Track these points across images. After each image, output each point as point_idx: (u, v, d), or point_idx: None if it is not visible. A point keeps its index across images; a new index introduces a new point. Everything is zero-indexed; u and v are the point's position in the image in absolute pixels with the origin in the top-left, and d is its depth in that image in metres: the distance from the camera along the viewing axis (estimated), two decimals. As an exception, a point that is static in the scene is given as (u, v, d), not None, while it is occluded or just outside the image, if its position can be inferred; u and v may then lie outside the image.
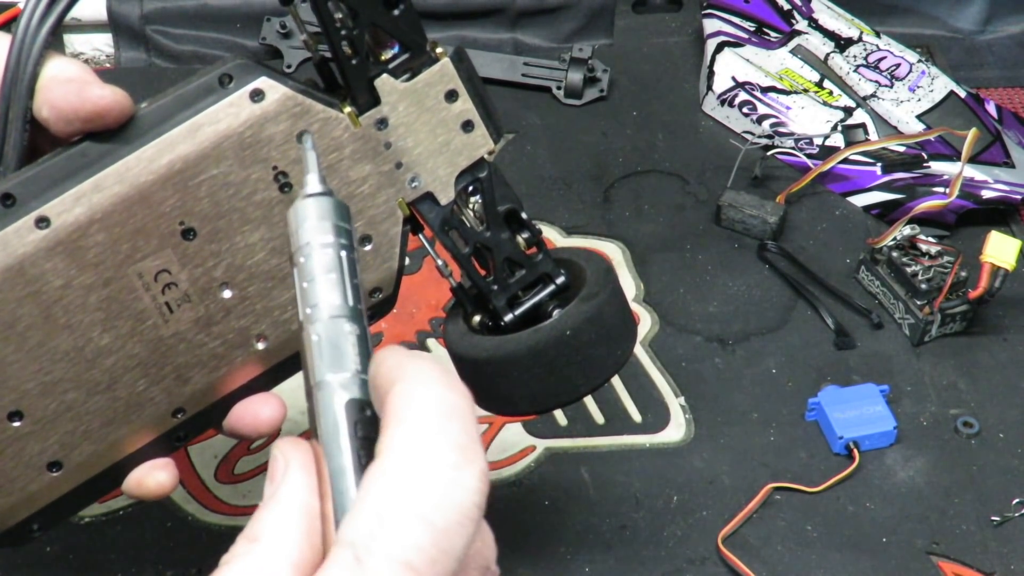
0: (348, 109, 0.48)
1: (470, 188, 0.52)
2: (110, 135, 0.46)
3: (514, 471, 0.78)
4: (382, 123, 0.49)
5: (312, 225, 0.36)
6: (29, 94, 0.45)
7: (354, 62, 0.48)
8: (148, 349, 0.47)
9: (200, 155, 0.46)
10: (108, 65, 1.13)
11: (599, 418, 0.81)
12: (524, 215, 0.54)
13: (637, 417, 0.82)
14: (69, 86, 0.45)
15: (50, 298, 0.45)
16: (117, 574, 0.71)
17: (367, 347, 0.35)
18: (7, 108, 0.45)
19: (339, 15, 0.47)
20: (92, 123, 0.45)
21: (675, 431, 0.81)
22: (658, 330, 0.88)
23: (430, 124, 0.50)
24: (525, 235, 0.55)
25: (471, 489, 0.31)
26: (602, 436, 0.80)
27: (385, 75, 0.49)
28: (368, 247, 0.50)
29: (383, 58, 0.50)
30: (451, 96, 0.50)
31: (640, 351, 0.86)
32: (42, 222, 0.44)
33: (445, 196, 0.52)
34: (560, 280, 0.55)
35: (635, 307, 0.89)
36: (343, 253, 0.35)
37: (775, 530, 0.75)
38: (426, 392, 0.32)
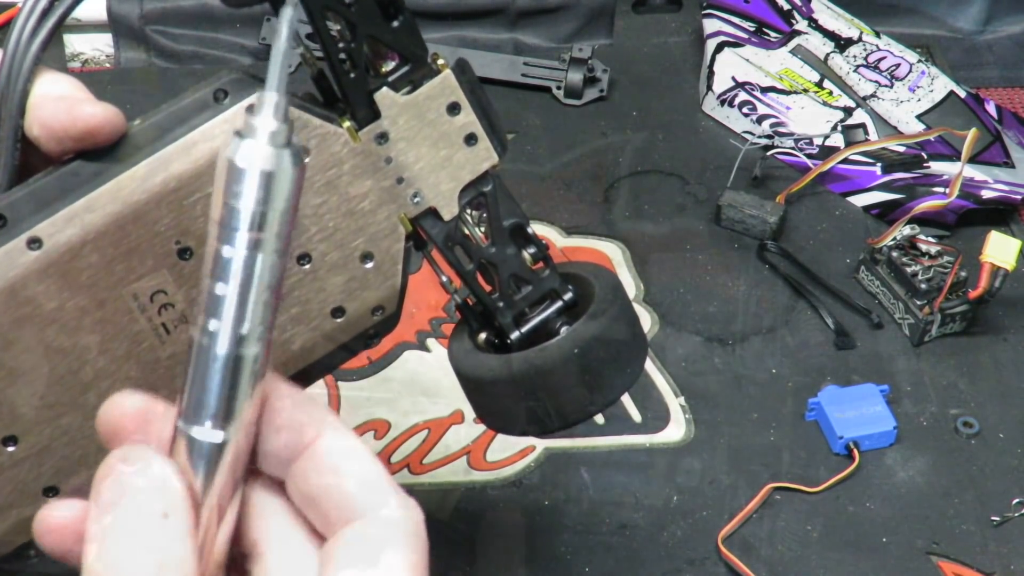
0: (347, 124, 0.47)
1: (474, 203, 0.51)
2: (102, 153, 0.44)
3: (514, 471, 0.78)
4: (382, 137, 0.48)
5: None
6: (20, 112, 0.43)
7: (352, 76, 0.47)
8: (145, 371, 0.46)
9: (195, 173, 0.45)
10: (108, 65, 1.12)
11: (599, 418, 0.81)
12: (530, 230, 0.53)
13: (637, 417, 0.82)
14: (60, 104, 0.43)
15: (43, 321, 0.44)
16: (117, 574, 0.71)
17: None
18: None
19: (336, 27, 0.46)
20: (83, 142, 0.43)
21: (675, 431, 0.81)
22: (658, 330, 0.88)
23: (432, 138, 0.49)
24: (531, 250, 0.53)
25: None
26: (602, 436, 0.80)
27: (385, 88, 0.48)
28: (369, 264, 0.49)
29: (382, 71, 0.48)
30: (453, 109, 0.49)
31: (640, 351, 0.86)
32: (34, 243, 0.43)
33: (448, 211, 0.50)
34: (568, 296, 0.54)
35: (635, 307, 0.89)
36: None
37: (775, 530, 0.75)
38: None
